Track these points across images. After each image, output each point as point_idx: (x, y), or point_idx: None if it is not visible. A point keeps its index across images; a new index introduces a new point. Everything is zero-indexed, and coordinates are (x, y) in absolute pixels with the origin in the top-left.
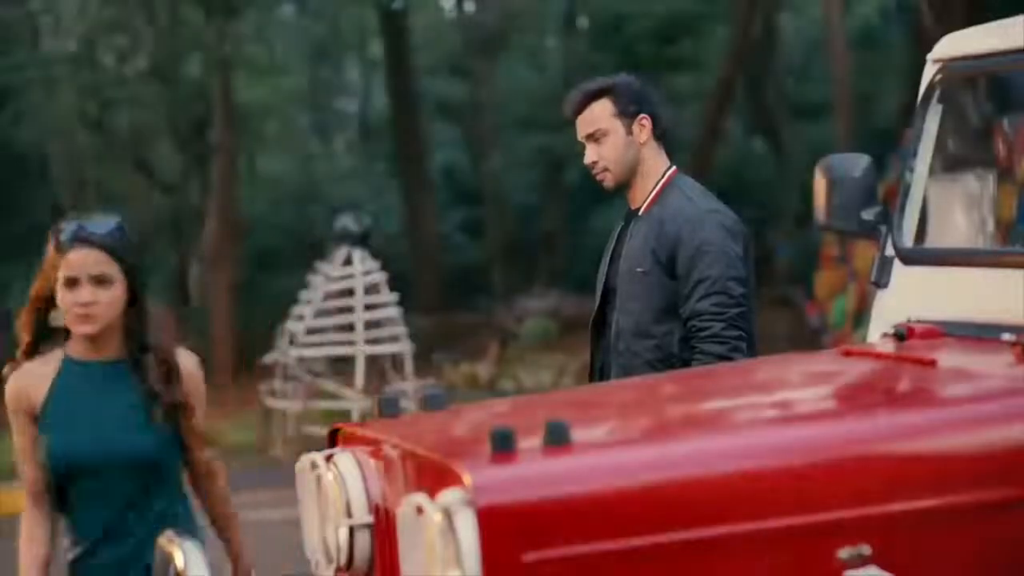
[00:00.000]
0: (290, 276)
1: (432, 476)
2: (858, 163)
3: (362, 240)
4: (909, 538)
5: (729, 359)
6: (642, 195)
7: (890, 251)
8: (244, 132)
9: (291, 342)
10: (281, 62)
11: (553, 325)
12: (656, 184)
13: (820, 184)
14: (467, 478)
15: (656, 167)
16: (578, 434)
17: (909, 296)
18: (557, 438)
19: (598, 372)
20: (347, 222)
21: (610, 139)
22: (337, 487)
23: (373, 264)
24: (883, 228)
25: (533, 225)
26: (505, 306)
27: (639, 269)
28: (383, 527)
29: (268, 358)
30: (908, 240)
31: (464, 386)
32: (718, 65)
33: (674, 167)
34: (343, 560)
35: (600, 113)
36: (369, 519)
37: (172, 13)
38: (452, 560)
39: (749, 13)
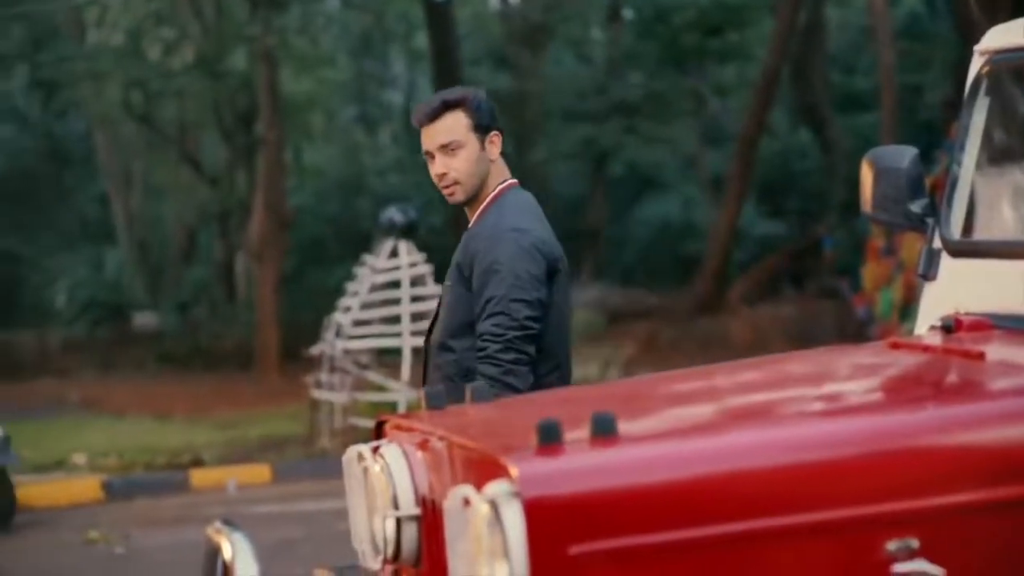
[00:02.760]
0: (336, 268)
1: (479, 468)
2: (905, 155)
3: (408, 232)
4: (957, 531)
5: (502, 382)
6: (479, 208)
7: (937, 243)
8: (290, 124)
9: (337, 334)
10: (326, 54)
11: (599, 317)
12: (487, 200)
13: (867, 176)
14: (514, 470)
15: (496, 183)
16: (625, 426)
17: (957, 288)
18: (604, 430)
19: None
20: (393, 214)
21: (465, 152)
22: (384, 479)
23: (419, 256)
24: (930, 220)
25: (577, 217)
26: None
27: (447, 283)
28: (430, 519)
29: (314, 350)
30: (956, 232)
31: None
32: (763, 56)
33: (508, 181)
34: (390, 552)
35: (455, 125)
36: (416, 511)
37: (217, 5)
38: (499, 552)
39: (795, 3)
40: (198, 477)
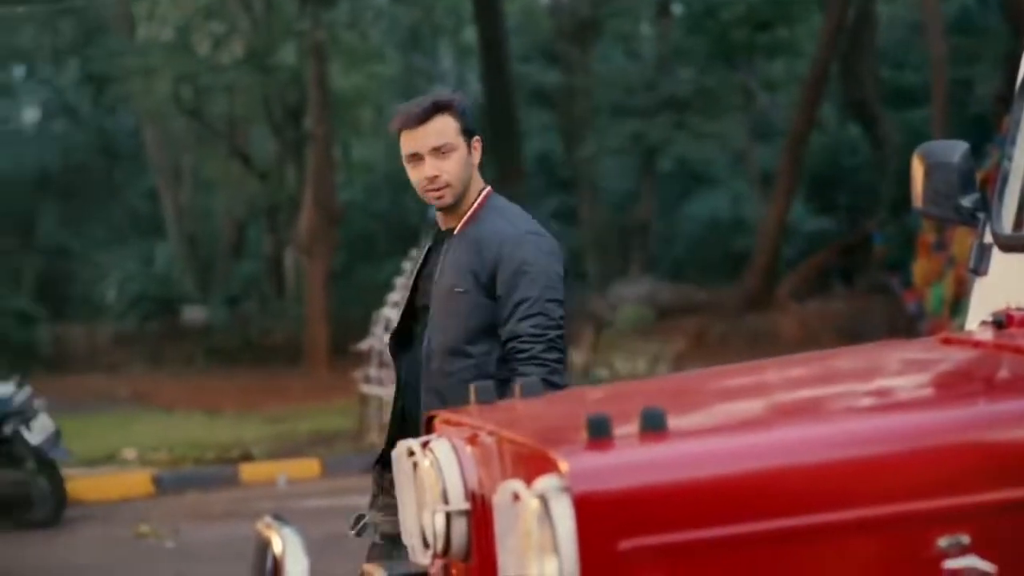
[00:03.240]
0: (385, 263)
1: (528, 463)
2: (956, 149)
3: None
4: (1008, 527)
5: (549, 381)
6: (462, 213)
7: (989, 238)
8: (339, 119)
9: (386, 328)
10: (375, 49)
11: (648, 312)
12: (472, 204)
13: (918, 171)
14: (563, 465)
15: (477, 189)
16: (674, 421)
17: (1008, 283)
18: (653, 425)
19: (401, 391)
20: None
21: (456, 155)
22: (434, 474)
23: None
24: (981, 215)
25: (626, 212)
26: (599, 293)
27: (458, 289)
28: (480, 514)
29: (363, 345)
30: (1007, 227)
31: None
32: (812, 51)
33: (487, 187)
34: (440, 546)
35: (446, 127)
36: (466, 506)
37: (267, 0)
38: (548, 547)
39: None
40: (248, 471)
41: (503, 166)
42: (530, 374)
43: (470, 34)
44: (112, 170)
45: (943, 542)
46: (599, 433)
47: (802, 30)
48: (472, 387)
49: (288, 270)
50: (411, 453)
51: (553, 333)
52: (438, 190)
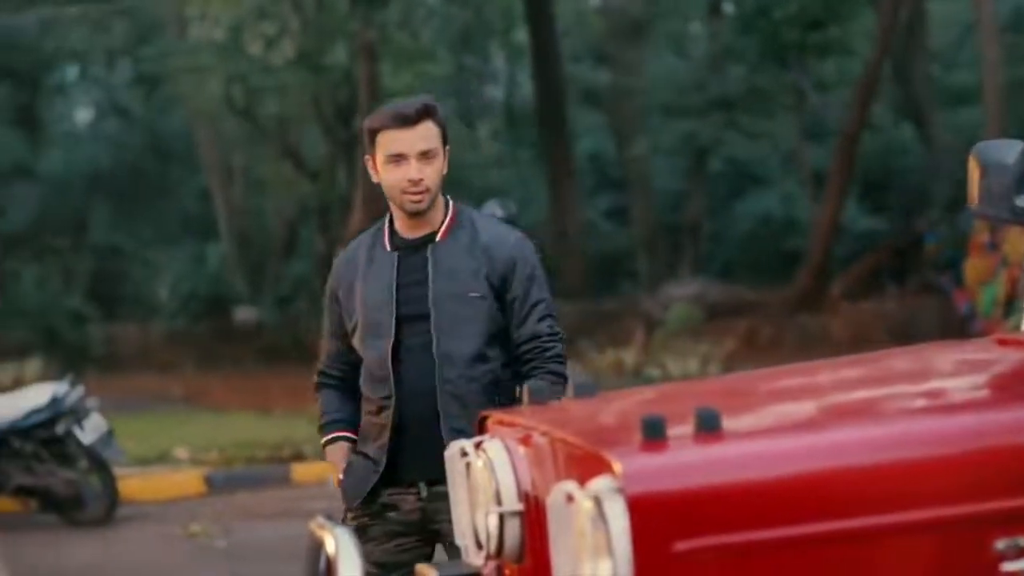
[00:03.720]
0: None
1: (582, 464)
2: (1012, 149)
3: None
4: None
5: (566, 377)
6: (432, 221)
7: None
8: None
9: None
10: (426, 49)
11: (698, 311)
12: (446, 211)
13: (973, 171)
14: (617, 466)
15: (440, 196)
16: (729, 422)
17: None
18: (708, 426)
19: (401, 400)
20: (494, 208)
21: (437, 162)
22: (487, 474)
23: None
24: None
25: (677, 211)
26: (650, 293)
27: (473, 294)
28: (533, 515)
29: None
30: None
31: (610, 373)
32: (864, 51)
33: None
34: (493, 547)
35: (430, 132)
36: (519, 507)
37: (318, 0)
38: (602, 548)
39: None
40: (300, 471)
41: (554, 166)
42: (555, 371)
43: (521, 35)
44: (164, 170)
45: (1001, 544)
46: (653, 434)
47: (854, 29)
48: (525, 387)
49: None
50: (464, 453)
51: (562, 333)
52: (418, 194)
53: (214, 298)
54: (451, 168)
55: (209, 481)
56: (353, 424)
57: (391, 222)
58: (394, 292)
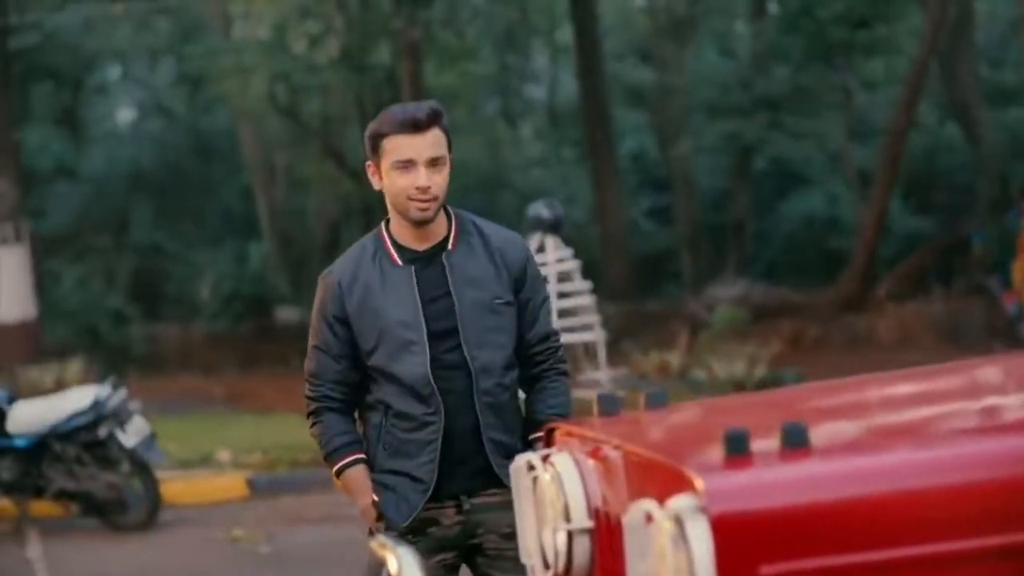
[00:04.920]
0: None
1: (660, 480)
2: None
3: (555, 227)
4: None
5: (568, 376)
6: (437, 231)
7: None
8: None
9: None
10: (470, 48)
11: (744, 313)
12: (450, 218)
13: None
14: (700, 483)
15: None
16: (816, 436)
17: None
18: (795, 441)
19: (446, 416)
20: (540, 209)
21: (445, 170)
22: (555, 489)
23: (566, 252)
24: None
25: (721, 212)
26: (694, 294)
27: (499, 300)
28: (604, 533)
29: None
30: None
31: (655, 375)
32: (911, 49)
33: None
34: (561, 566)
35: (439, 140)
36: (589, 524)
37: None
38: (684, 571)
39: None
40: None
41: (598, 165)
42: (564, 371)
43: (564, 34)
44: (206, 170)
45: None
46: (737, 449)
47: (901, 28)
48: (596, 397)
49: None
50: (531, 467)
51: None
52: (426, 202)
53: (256, 298)
54: (494, 166)
55: (252, 484)
56: (363, 446)
57: (390, 234)
58: (420, 308)
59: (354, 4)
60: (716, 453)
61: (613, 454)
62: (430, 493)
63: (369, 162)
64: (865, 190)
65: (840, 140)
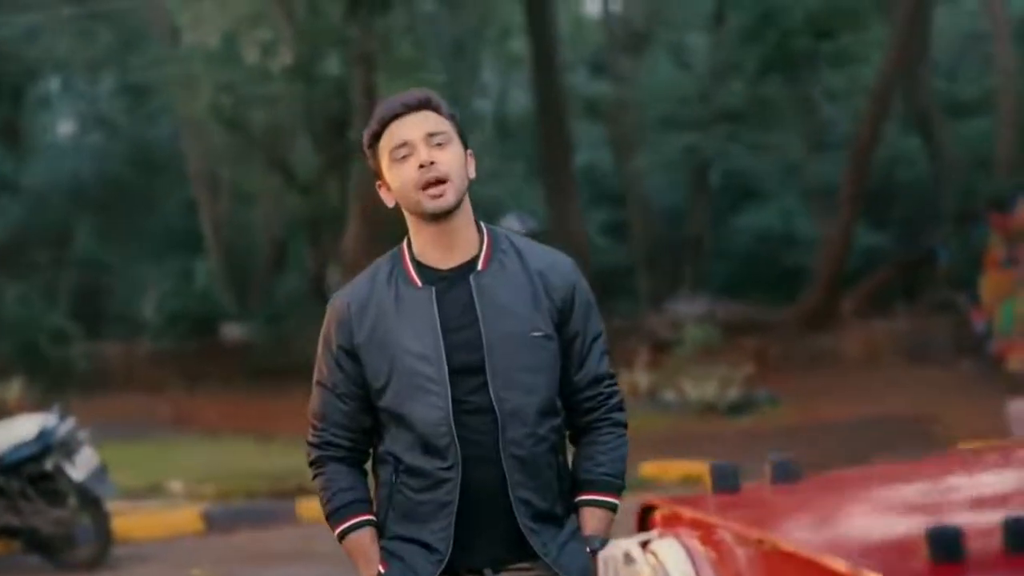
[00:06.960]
0: None
1: None
2: None
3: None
4: None
5: (626, 427)
6: (465, 247)
7: None
8: None
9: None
10: (422, 58)
11: (715, 332)
12: (482, 233)
13: None
14: None
15: (472, 216)
16: None
17: None
18: (1020, 542)
19: (465, 467)
20: (512, 222)
21: (453, 148)
22: None
23: None
24: None
25: (678, 226)
26: (654, 310)
27: (536, 333)
28: None
29: None
30: None
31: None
32: (876, 60)
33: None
34: None
35: (439, 120)
36: None
37: (311, 6)
38: None
39: (913, 4)
40: (305, 507)
41: (553, 179)
42: (621, 421)
43: (517, 45)
44: (149, 183)
45: None
46: (948, 554)
47: (865, 39)
48: (710, 467)
49: (332, 287)
50: (629, 559)
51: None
52: (436, 183)
53: (201, 315)
54: None
55: (207, 518)
56: (371, 505)
57: (411, 252)
58: (440, 337)
59: (302, 12)
60: (915, 556)
61: (741, 545)
62: (444, 564)
63: (378, 182)
64: (824, 204)
65: (800, 153)
